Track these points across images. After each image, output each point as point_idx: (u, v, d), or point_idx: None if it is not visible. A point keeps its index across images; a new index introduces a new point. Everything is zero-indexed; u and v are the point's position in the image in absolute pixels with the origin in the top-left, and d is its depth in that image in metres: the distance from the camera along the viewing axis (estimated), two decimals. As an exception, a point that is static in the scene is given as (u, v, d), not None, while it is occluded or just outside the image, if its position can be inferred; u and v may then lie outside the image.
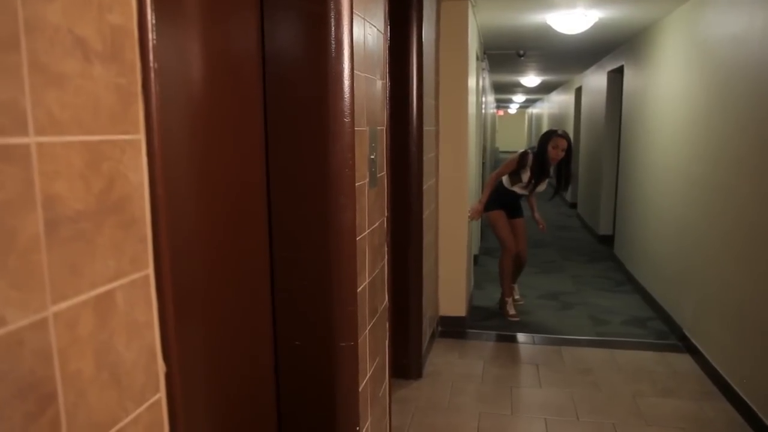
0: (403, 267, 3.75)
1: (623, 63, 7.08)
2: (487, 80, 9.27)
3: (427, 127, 4.05)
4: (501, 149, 27.68)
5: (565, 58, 8.28)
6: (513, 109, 25.83)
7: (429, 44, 4.11)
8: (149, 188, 0.86)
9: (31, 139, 0.65)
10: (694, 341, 4.21)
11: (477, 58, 5.90)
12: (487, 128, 10.85)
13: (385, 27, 2.56)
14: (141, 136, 0.84)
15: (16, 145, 0.63)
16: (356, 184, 1.93)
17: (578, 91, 11.28)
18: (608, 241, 7.89)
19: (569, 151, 4.97)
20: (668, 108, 5.14)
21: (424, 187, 3.95)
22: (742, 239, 3.51)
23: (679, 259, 4.70)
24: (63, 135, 0.70)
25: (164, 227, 0.89)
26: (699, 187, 4.28)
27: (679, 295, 4.68)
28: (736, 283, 3.60)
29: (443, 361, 4.15)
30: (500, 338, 4.67)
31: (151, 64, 0.85)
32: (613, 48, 7.33)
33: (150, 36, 0.84)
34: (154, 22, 0.85)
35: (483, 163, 8.18)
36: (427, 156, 4.09)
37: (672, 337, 4.65)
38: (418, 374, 3.89)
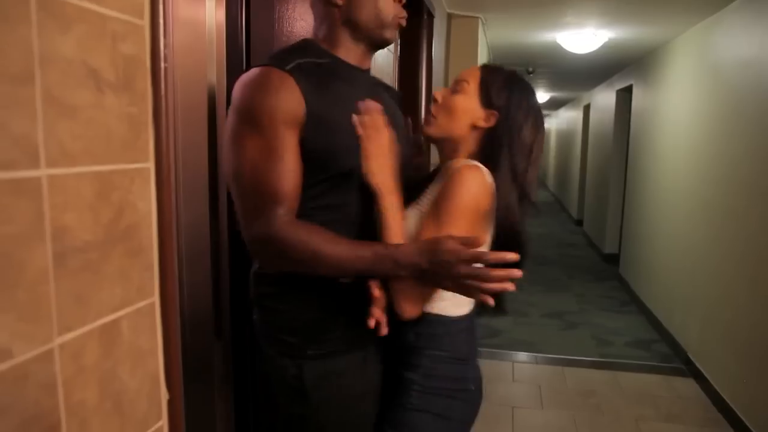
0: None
1: (632, 82, 7.08)
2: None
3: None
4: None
5: (574, 75, 8.29)
6: (521, 124, 25.81)
7: (438, 61, 4.13)
8: (157, 216, 0.87)
9: (43, 172, 0.65)
10: (698, 366, 4.18)
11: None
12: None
13: (395, 47, 2.58)
14: (150, 164, 0.85)
15: (28, 178, 0.63)
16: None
17: (586, 109, 11.28)
18: (614, 259, 7.86)
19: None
20: (677, 130, 5.13)
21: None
22: (752, 265, 3.49)
23: (686, 282, 4.67)
24: (74, 166, 0.70)
25: (171, 254, 0.89)
26: (708, 211, 4.27)
27: (685, 318, 4.66)
28: (743, 308, 3.57)
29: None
30: (502, 357, 4.65)
31: (163, 92, 0.86)
32: (623, 67, 7.33)
33: (162, 65, 0.85)
34: (165, 51, 0.86)
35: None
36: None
37: (676, 360, 4.62)
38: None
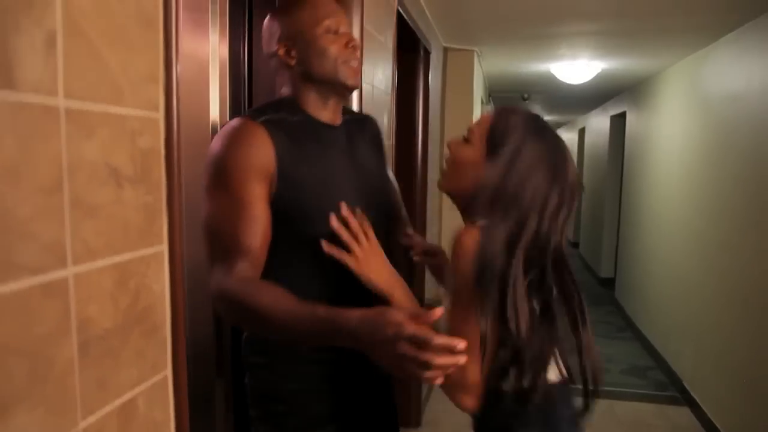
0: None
1: (625, 109, 7.18)
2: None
3: (431, 176, 4.12)
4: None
5: (569, 101, 8.40)
6: (517, 143, 25.93)
7: (435, 91, 4.18)
8: (170, 295, 0.92)
9: (69, 271, 0.71)
10: (693, 394, 4.22)
11: (482, 102, 5.99)
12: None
13: (393, 90, 2.64)
14: (164, 247, 0.90)
15: (57, 279, 0.69)
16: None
17: (581, 132, 11.40)
18: (610, 284, 7.90)
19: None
20: (670, 158, 5.21)
21: (427, 236, 4.00)
22: (744, 296, 3.55)
23: (680, 309, 4.72)
24: (96, 260, 0.76)
25: (181, 327, 0.95)
26: (701, 241, 4.33)
27: (680, 345, 4.70)
28: (736, 338, 3.62)
29: (443, 409, 4.15)
30: (500, 385, 4.68)
31: (176, 180, 0.91)
32: (616, 93, 7.44)
33: (176, 154, 0.91)
34: (179, 140, 0.91)
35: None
36: (431, 202, 4.15)
37: (671, 388, 4.66)
38: (417, 422, 3.90)
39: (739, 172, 3.70)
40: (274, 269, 1.24)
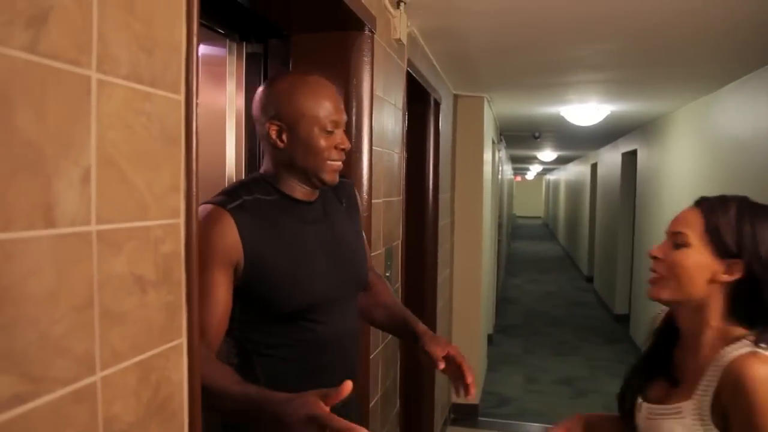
0: (416, 360, 3.80)
1: (636, 147, 7.24)
2: (503, 153, 9.49)
3: (443, 221, 4.19)
4: (518, 214, 27.85)
5: (580, 139, 8.50)
6: (530, 175, 26.05)
7: (445, 136, 4.26)
8: (188, 382, 0.99)
9: (97, 376, 0.79)
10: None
11: (493, 142, 6.08)
12: (504, 195, 11.00)
13: (402, 147, 2.73)
14: (183, 340, 0.98)
15: (85, 386, 0.76)
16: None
17: (594, 167, 11.46)
18: (625, 320, 7.89)
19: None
20: (681, 197, 5.25)
21: (439, 280, 4.07)
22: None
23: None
24: (122, 362, 0.83)
25: (198, 413, 1.02)
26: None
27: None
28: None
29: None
30: (512, 428, 4.69)
31: (195, 278, 0.99)
32: (627, 132, 7.51)
33: (195, 257, 0.99)
34: (197, 244, 1.00)
35: (499, 241, 8.28)
36: (443, 247, 4.22)
37: (686, 430, 4.64)
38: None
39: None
40: (261, 337, 1.38)
